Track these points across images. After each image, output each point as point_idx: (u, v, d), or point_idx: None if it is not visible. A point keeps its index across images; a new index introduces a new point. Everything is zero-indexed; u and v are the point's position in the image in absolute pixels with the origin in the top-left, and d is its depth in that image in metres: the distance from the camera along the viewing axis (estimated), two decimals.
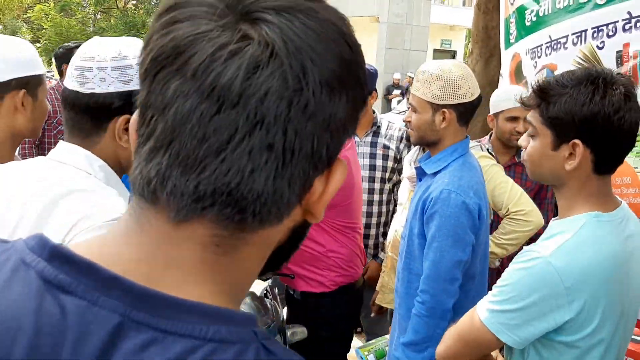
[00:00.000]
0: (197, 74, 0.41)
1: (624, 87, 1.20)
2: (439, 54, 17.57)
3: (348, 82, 0.45)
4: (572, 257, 1.17)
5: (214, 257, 0.45)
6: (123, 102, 1.08)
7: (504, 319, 1.21)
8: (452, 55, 17.82)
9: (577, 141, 1.21)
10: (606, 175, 1.27)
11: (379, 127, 2.84)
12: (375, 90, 2.76)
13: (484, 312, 1.25)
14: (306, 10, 0.43)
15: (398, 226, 2.40)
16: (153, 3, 33.76)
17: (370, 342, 2.32)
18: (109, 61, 1.08)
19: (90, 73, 1.08)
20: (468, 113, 1.83)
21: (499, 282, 1.25)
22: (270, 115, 0.41)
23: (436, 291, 1.74)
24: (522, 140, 1.36)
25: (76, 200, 1.02)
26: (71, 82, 1.11)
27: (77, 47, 4.22)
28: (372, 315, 2.71)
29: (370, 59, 15.08)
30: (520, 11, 2.83)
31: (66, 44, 3.98)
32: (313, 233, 2.23)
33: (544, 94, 1.26)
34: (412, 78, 4.03)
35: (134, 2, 33.83)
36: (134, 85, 1.09)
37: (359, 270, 2.41)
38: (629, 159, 2.27)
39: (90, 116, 1.10)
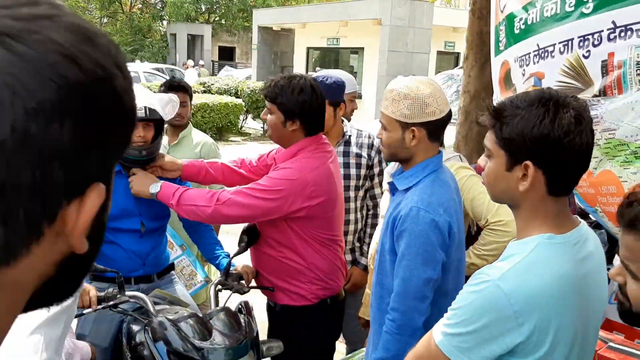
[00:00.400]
0: None
1: (574, 110, 1.20)
2: (443, 55, 17.49)
3: (74, 106, 0.41)
4: (520, 280, 1.17)
5: None
6: None
7: (456, 342, 1.22)
8: (456, 57, 17.67)
9: (528, 162, 1.22)
10: (561, 197, 1.27)
11: (349, 136, 2.84)
12: (344, 101, 2.75)
13: (438, 335, 1.26)
14: (18, 34, 0.40)
15: (379, 238, 2.40)
16: (159, 7, 33.96)
17: (349, 355, 2.32)
18: None
19: None
20: (438, 130, 1.83)
21: (453, 304, 1.25)
22: None
23: (406, 309, 1.74)
24: (480, 161, 1.36)
25: None
26: None
27: None
28: (363, 329, 2.69)
29: (373, 62, 15.08)
30: (510, 19, 2.81)
31: None
32: (296, 244, 2.23)
33: (498, 115, 1.27)
34: None
35: (140, 6, 34.02)
36: None
37: (340, 282, 2.40)
38: (614, 169, 2.25)
39: None
